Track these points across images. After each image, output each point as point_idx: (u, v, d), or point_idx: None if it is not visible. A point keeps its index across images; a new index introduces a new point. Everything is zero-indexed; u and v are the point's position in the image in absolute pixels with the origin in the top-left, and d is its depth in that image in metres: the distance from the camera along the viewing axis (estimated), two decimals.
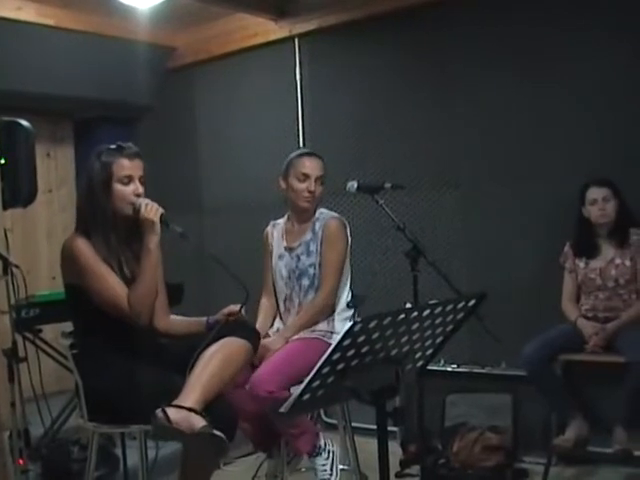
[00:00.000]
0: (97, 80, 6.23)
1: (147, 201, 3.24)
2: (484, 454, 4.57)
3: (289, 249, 4.14)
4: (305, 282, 4.10)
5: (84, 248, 3.20)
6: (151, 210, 3.20)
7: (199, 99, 6.81)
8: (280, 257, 4.15)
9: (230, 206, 6.51)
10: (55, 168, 6.98)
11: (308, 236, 4.12)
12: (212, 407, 3.07)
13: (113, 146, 3.32)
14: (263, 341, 3.82)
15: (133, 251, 3.33)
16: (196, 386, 3.05)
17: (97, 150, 3.32)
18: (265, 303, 4.19)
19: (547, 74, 4.94)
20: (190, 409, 2.96)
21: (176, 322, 3.58)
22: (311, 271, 4.09)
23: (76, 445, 4.55)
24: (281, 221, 4.25)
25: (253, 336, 3.34)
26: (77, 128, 7.15)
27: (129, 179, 3.27)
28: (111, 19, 6.01)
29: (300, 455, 3.94)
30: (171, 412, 2.93)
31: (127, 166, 3.27)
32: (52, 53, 5.90)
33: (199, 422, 2.93)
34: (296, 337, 3.94)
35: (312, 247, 4.10)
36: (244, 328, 3.33)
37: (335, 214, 4.23)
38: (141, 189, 3.30)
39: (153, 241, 3.21)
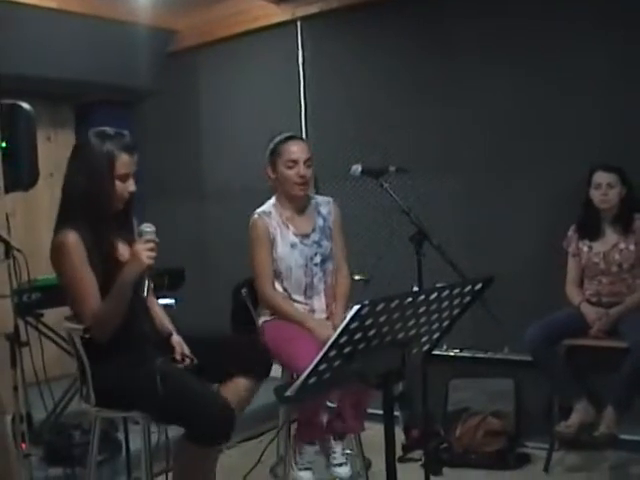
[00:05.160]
0: (98, 63, 6.19)
1: (151, 244, 3.11)
2: (486, 439, 4.58)
3: (302, 236, 4.10)
4: (330, 266, 4.14)
5: (72, 245, 3.13)
6: (147, 253, 3.08)
7: (200, 83, 6.78)
8: (293, 246, 4.07)
9: (232, 191, 6.49)
10: (56, 152, 6.94)
11: (320, 222, 4.14)
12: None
13: (111, 133, 3.24)
14: (326, 335, 3.73)
15: (124, 238, 3.30)
16: None
17: (94, 135, 3.24)
18: (281, 293, 4.10)
19: (550, 65, 4.94)
20: None
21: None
22: (331, 255, 4.14)
23: (78, 429, 4.53)
24: (270, 209, 4.13)
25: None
26: (78, 112, 7.11)
27: (127, 177, 3.24)
28: (113, 2, 5.96)
29: (343, 437, 4.02)
30: None
31: (128, 163, 3.22)
32: (53, 36, 5.85)
33: None
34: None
35: (328, 232, 4.14)
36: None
37: (329, 197, 4.28)
38: (133, 187, 3.26)
39: (132, 275, 3.09)
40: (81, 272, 3.14)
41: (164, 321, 3.53)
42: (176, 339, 3.41)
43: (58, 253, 3.17)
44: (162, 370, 3.07)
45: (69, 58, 6.03)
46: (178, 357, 3.32)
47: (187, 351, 3.36)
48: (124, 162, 3.21)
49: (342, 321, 3.86)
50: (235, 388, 3.35)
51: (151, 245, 3.09)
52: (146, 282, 3.15)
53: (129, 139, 3.27)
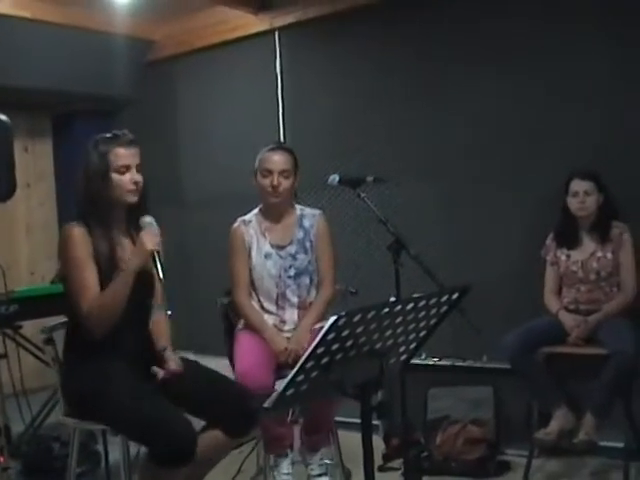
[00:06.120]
0: (75, 73, 6.18)
1: (154, 230, 3.21)
2: (467, 447, 4.57)
3: (278, 247, 4.09)
4: (306, 280, 4.10)
5: (78, 237, 3.18)
6: (151, 239, 3.16)
7: (179, 92, 6.78)
8: (267, 256, 4.07)
9: (212, 199, 6.49)
10: (33, 163, 6.92)
11: (299, 234, 4.10)
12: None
13: (109, 135, 3.29)
14: (292, 345, 3.90)
15: (133, 240, 3.31)
16: None
17: (93, 139, 3.28)
18: (253, 303, 4.10)
19: (532, 70, 4.96)
20: None
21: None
22: (311, 268, 4.10)
23: (57, 442, 4.51)
24: (252, 218, 4.16)
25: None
26: (55, 122, 7.10)
27: (126, 168, 3.25)
28: (89, 12, 5.96)
29: (317, 449, 4.01)
30: None
31: (124, 155, 3.25)
32: (29, 46, 5.83)
33: None
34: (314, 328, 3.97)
35: (307, 245, 4.10)
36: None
37: (317, 210, 4.23)
38: (138, 177, 3.29)
39: (135, 264, 3.16)
40: (84, 264, 3.17)
41: (162, 335, 3.44)
42: (170, 355, 3.33)
43: (64, 244, 3.22)
44: (129, 385, 3.09)
45: (46, 68, 6.02)
46: (167, 375, 3.25)
47: (176, 368, 3.28)
48: (118, 154, 3.24)
49: (305, 330, 3.92)
50: (212, 439, 3.24)
51: (154, 232, 3.21)
52: (158, 263, 3.17)
53: (125, 135, 3.31)
